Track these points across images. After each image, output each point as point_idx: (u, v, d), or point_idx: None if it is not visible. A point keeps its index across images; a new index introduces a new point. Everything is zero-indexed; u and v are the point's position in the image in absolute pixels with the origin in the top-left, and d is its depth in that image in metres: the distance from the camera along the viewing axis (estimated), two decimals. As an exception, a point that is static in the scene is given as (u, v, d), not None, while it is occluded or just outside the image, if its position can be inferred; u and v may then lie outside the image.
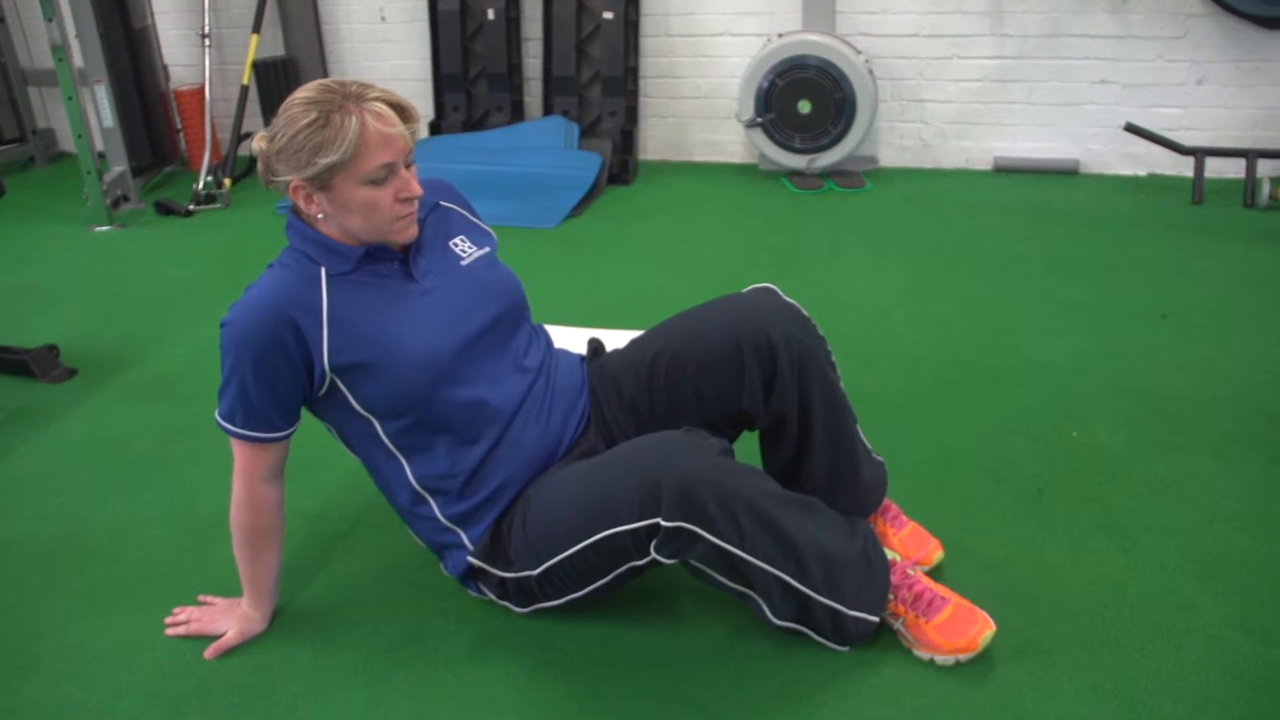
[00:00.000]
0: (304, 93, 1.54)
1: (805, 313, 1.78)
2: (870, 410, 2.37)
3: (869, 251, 3.55)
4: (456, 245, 1.75)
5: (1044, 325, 2.87)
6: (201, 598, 1.86)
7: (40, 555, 2.04)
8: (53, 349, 2.88)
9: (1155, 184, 4.16)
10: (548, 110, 4.74)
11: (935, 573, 1.82)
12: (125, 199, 4.43)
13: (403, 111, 1.56)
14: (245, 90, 4.72)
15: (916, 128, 4.50)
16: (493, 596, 1.76)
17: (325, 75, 5.00)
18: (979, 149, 4.46)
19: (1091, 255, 3.40)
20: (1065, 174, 4.33)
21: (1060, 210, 3.88)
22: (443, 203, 1.79)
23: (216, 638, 1.76)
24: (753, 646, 1.68)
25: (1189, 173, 4.07)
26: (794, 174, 4.43)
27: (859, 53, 4.20)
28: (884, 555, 1.68)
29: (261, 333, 1.55)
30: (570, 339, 1.99)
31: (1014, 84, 4.30)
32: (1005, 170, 4.41)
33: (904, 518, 1.90)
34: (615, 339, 1.96)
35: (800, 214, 4.01)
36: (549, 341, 1.85)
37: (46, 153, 5.38)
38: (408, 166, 1.58)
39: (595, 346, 1.94)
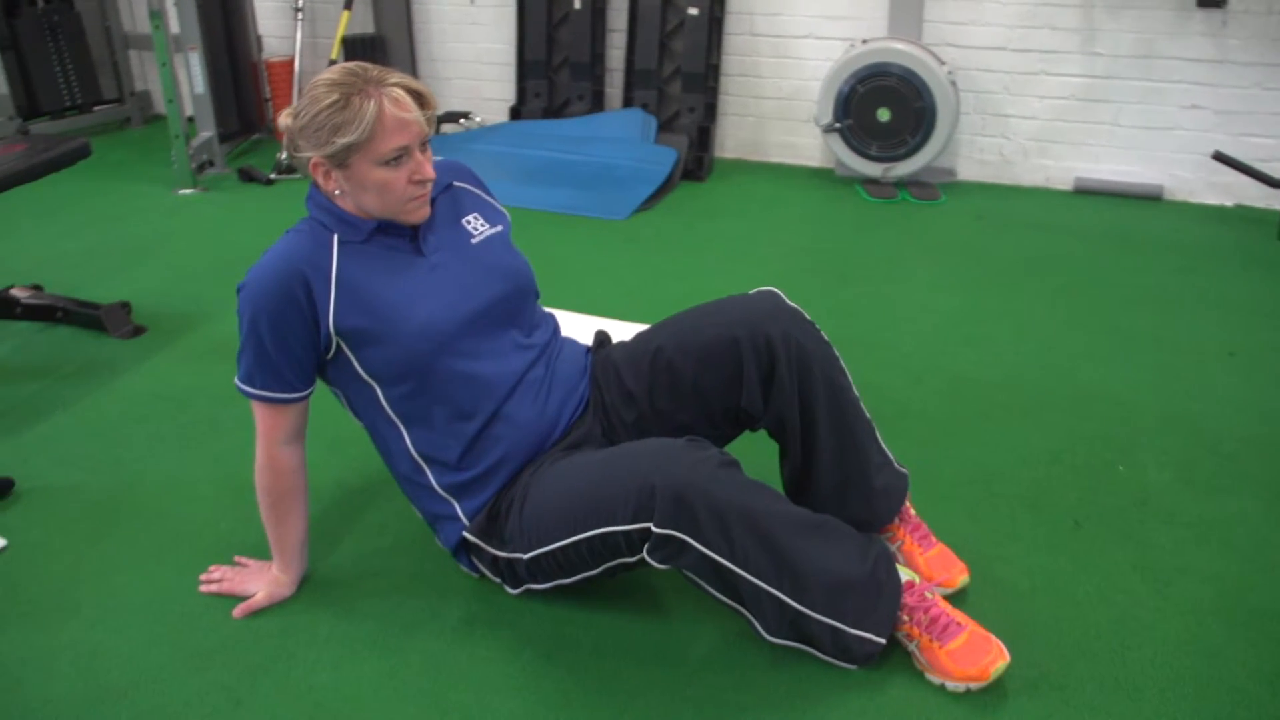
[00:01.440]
0: (328, 75, 1.60)
1: (808, 316, 1.79)
2: (914, 427, 2.37)
3: (934, 266, 3.50)
4: (469, 223, 1.80)
5: (1102, 354, 2.80)
6: (237, 558, 1.92)
7: (91, 504, 2.13)
8: (125, 306, 2.99)
9: (1241, 215, 4.03)
10: (628, 102, 4.76)
11: (958, 597, 1.80)
12: (210, 164, 4.57)
13: (420, 98, 1.62)
14: (333, 64, 4.81)
15: (997, 142, 4.42)
16: (486, 572, 1.79)
17: (413, 55, 5.10)
18: (1060, 168, 4.36)
19: (1164, 285, 3.30)
20: (1148, 199, 4.21)
21: (1138, 237, 3.77)
22: (456, 183, 1.84)
23: (246, 598, 1.82)
24: (762, 653, 1.68)
25: (1279, 206, 3.94)
26: (869, 182, 4.39)
27: (943, 63, 4.14)
28: (897, 577, 1.66)
29: (276, 290, 1.61)
30: (578, 327, 2.02)
31: (1101, 104, 4.19)
32: (1086, 192, 4.30)
33: (933, 538, 1.88)
34: (622, 331, 1.99)
35: (870, 223, 3.97)
36: (556, 328, 1.89)
37: (143, 114, 5.56)
38: (423, 150, 1.64)
39: (601, 338, 1.97)
